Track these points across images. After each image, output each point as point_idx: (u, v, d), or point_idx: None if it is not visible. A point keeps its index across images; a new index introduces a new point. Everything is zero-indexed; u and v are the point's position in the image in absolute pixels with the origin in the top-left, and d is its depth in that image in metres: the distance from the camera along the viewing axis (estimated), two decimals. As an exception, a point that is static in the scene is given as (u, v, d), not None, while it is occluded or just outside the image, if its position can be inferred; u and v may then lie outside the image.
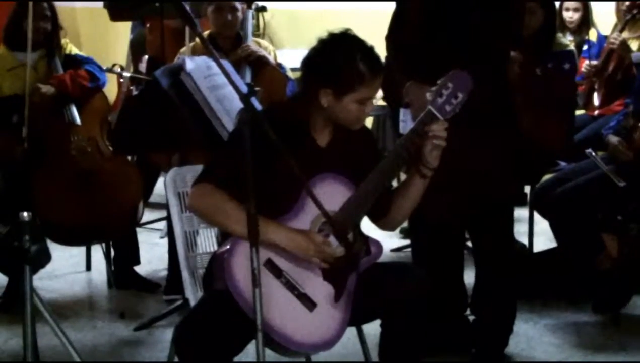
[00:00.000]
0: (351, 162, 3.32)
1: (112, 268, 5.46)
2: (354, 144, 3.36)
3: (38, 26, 5.24)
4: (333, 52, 3.21)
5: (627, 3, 6.23)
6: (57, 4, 5.43)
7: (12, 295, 5.07)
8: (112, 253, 5.44)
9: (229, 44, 5.23)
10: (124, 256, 5.43)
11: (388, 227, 3.50)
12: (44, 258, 2.82)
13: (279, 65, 5.30)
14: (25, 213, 2.73)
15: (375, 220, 3.45)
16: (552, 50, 5.31)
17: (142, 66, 6.69)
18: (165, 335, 4.69)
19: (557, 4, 6.10)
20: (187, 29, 5.36)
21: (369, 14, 8.02)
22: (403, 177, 5.90)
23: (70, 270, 5.79)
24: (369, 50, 3.23)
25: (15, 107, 5.17)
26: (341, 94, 3.19)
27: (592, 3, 6.66)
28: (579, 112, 6.16)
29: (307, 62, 3.27)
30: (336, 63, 3.18)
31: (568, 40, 6.17)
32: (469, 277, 4.44)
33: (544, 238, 5.71)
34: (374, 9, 8.07)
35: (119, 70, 6.23)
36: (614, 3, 6.54)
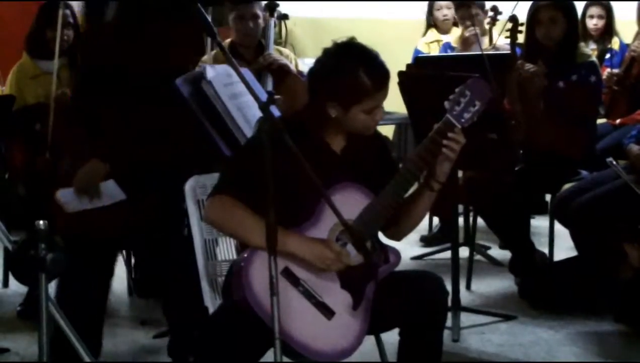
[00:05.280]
0: (365, 168, 3.31)
1: (133, 276, 5.46)
2: (368, 150, 3.36)
3: (61, 34, 5.23)
4: (335, 65, 3.19)
5: (650, 11, 6.21)
6: (78, 11, 5.45)
7: (32, 303, 5.08)
8: (133, 261, 5.44)
9: (251, 52, 5.25)
10: (144, 264, 5.42)
11: (395, 237, 3.46)
12: (60, 266, 2.82)
13: (301, 73, 5.31)
14: (41, 222, 2.73)
15: (384, 229, 3.39)
16: (575, 62, 5.28)
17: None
18: (185, 343, 4.69)
19: (579, 12, 6.07)
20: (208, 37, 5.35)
21: (390, 23, 8.02)
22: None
23: (91, 277, 5.78)
24: (372, 61, 3.20)
25: (38, 116, 5.19)
26: (347, 106, 3.19)
27: (614, 11, 6.63)
28: (600, 121, 6.13)
29: (312, 75, 3.27)
30: (339, 77, 3.17)
31: (590, 49, 6.14)
32: (481, 283, 4.42)
33: (564, 247, 5.68)
34: (395, 18, 8.07)
35: (141, 78, 6.22)
36: (635, 11, 6.51)
